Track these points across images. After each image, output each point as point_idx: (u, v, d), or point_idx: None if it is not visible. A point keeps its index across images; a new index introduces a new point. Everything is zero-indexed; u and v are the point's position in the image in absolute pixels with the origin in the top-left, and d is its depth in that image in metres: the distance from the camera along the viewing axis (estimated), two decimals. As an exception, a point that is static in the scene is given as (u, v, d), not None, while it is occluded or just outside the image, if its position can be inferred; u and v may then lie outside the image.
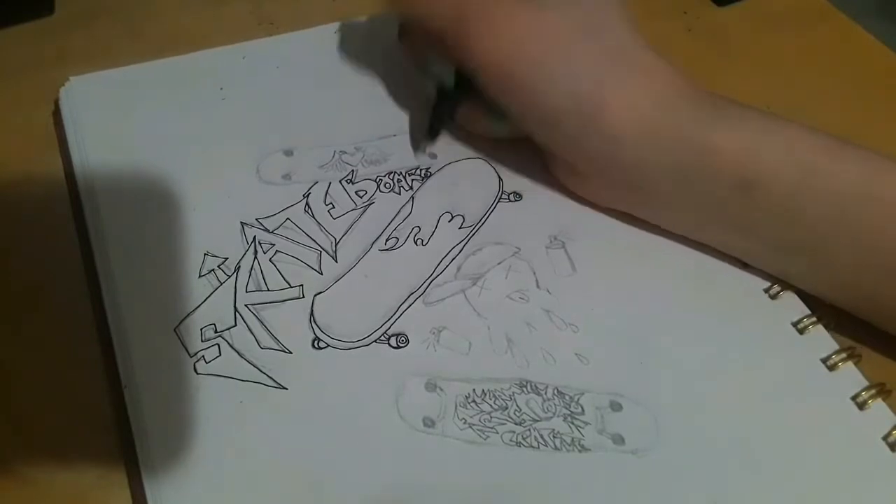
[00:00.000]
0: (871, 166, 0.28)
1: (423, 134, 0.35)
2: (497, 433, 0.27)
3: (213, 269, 0.31)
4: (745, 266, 0.32)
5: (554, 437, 0.27)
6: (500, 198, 0.34)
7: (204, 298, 0.30)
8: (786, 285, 0.31)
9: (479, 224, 0.33)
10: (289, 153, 0.35)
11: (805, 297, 0.31)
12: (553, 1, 0.31)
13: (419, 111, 0.36)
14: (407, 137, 0.36)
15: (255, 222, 0.32)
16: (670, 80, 0.30)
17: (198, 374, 0.28)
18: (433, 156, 0.35)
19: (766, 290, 0.31)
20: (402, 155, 0.35)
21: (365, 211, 0.33)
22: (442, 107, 0.35)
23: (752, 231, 0.30)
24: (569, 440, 0.27)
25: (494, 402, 0.28)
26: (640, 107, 0.29)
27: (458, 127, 0.36)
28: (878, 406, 0.28)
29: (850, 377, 0.29)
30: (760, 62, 0.42)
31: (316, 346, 0.29)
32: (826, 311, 0.31)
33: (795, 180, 0.28)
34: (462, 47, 0.31)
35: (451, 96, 0.34)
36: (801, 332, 0.30)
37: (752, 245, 0.31)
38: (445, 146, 0.36)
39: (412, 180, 0.34)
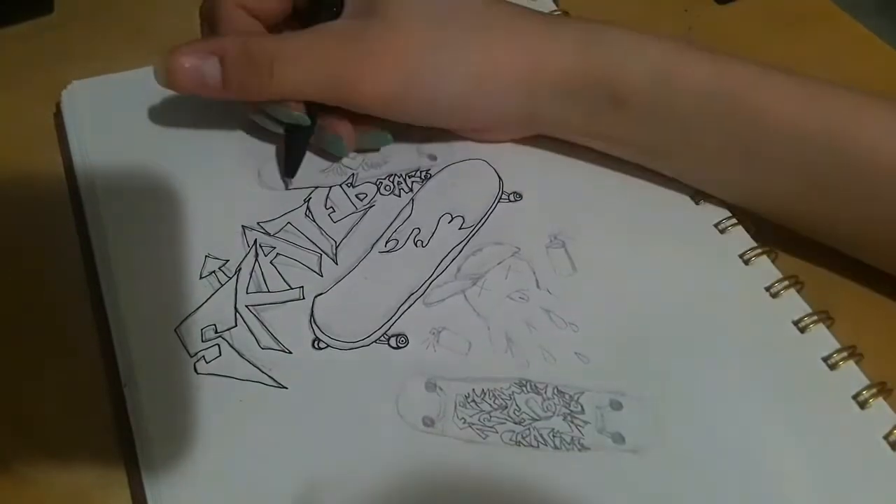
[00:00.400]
0: (716, 64, 0.31)
1: (282, 171, 0.34)
2: (497, 433, 0.27)
3: (213, 271, 0.31)
4: (747, 262, 0.32)
5: (554, 436, 0.27)
6: (500, 198, 0.34)
7: (205, 299, 0.30)
8: (786, 285, 0.31)
9: (479, 224, 0.33)
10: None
11: (806, 296, 0.31)
12: (400, 16, 0.31)
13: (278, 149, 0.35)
14: (406, 141, 0.36)
15: (257, 226, 0.32)
16: (536, 23, 0.33)
17: (198, 373, 0.28)
18: (433, 157, 0.35)
19: (767, 290, 0.31)
20: (401, 157, 0.35)
21: (365, 214, 0.33)
22: (296, 142, 0.34)
23: (629, 140, 0.33)
24: (569, 439, 0.27)
25: (494, 402, 0.28)
26: (520, 58, 0.32)
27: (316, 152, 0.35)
28: (879, 405, 0.28)
29: (851, 376, 0.29)
30: (761, 60, 0.42)
31: (316, 346, 0.29)
32: (827, 312, 0.31)
33: (653, 90, 0.31)
34: (349, 102, 0.32)
35: (304, 130, 0.33)
36: (801, 330, 0.30)
37: (633, 153, 0.34)
38: (445, 148, 0.36)
39: (412, 182, 0.34)
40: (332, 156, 0.35)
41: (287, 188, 0.34)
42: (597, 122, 0.33)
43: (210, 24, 0.34)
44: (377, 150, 0.35)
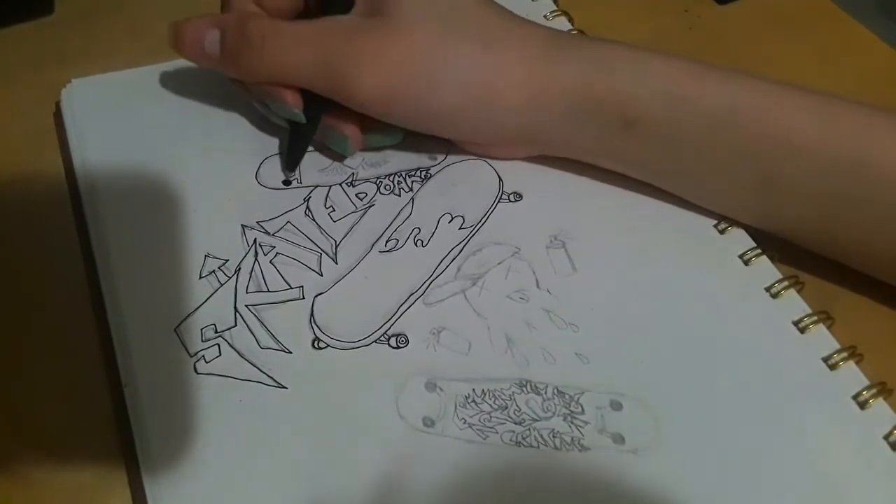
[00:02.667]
0: (730, 84, 0.30)
1: (283, 166, 0.35)
2: (497, 433, 0.27)
3: (213, 271, 0.31)
4: (747, 263, 0.32)
5: (554, 436, 0.27)
6: (500, 198, 0.34)
7: (204, 299, 0.30)
8: (786, 285, 0.31)
9: (479, 224, 0.33)
10: (290, 156, 0.35)
11: (806, 296, 0.31)
12: (407, 18, 0.31)
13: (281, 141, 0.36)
14: (407, 140, 0.36)
15: (256, 225, 0.32)
16: (542, 40, 0.32)
17: (198, 373, 0.28)
18: (433, 157, 0.35)
19: (767, 290, 0.31)
20: (402, 157, 0.35)
21: (365, 213, 0.33)
22: (296, 137, 0.34)
23: (640, 161, 0.33)
24: (569, 440, 0.27)
25: (494, 402, 0.28)
26: (524, 76, 0.31)
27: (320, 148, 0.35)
28: (879, 405, 0.28)
29: (852, 376, 0.29)
30: (761, 60, 0.42)
31: (316, 346, 0.29)
32: (827, 312, 0.31)
33: (666, 111, 0.30)
34: (341, 95, 0.31)
35: (304, 127, 0.33)
36: (801, 331, 0.30)
37: (644, 174, 0.33)
38: (445, 147, 0.36)
39: (412, 182, 0.34)
40: (338, 154, 0.35)
41: (288, 182, 0.34)
42: (606, 144, 0.32)
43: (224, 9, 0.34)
44: (385, 148, 0.35)
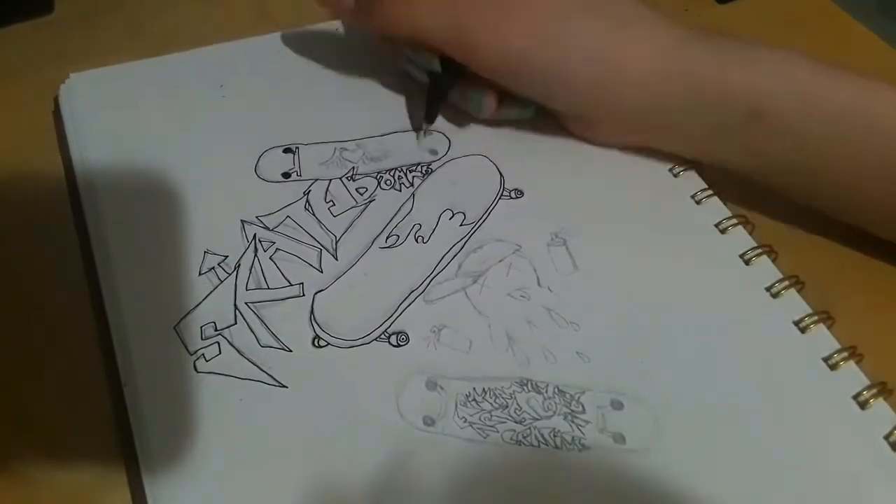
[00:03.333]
0: (863, 87, 0.31)
1: (421, 119, 0.36)
2: (497, 432, 0.27)
3: (213, 267, 0.31)
4: (746, 264, 0.32)
5: (554, 435, 0.27)
6: (502, 195, 0.34)
7: (204, 296, 0.30)
8: (786, 285, 0.31)
9: (480, 221, 0.33)
10: (289, 150, 0.35)
11: (806, 296, 0.31)
12: None
13: (413, 98, 0.37)
14: (407, 134, 0.36)
15: (256, 220, 0.32)
16: (676, 29, 0.33)
17: (198, 372, 0.28)
18: (434, 152, 0.35)
19: (768, 290, 0.31)
20: (402, 152, 0.35)
21: (365, 208, 0.33)
22: (435, 91, 0.35)
23: (761, 154, 0.32)
24: (569, 439, 0.27)
25: (495, 401, 0.28)
26: (654, 56, 0.32)
27: (453, 108, 0.36)
28: (879, 405, 0.28)
29: (852, 376, 0.29)
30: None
31: (316, 344, 0.29)
32: (827, 312, 0.31)
33: (798, 107, 0.31)
34: (468, 57, 0.32)
35: (442, 78, 0.34)
36: (802, 331, 0.30)
37: (759, 166, 0.33)
38: (446, 143, 0.35)
39: (413, 177, 0.34)
40: (338, 152, 0.35)
41: (423, 136, 0.35)
42: (728, 136, 0.32)
43: None
44: (517, 121, 0.36)
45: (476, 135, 0.36)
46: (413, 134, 0.36)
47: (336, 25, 0.40)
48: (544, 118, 0.35)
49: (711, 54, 0.32)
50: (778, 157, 0.32)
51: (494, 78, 0.33)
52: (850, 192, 0.32)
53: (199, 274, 0.30)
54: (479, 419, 0.27)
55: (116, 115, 0.35)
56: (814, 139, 0.31)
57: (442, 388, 0.28)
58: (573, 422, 0.28)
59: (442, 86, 0.35)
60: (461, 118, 0.36)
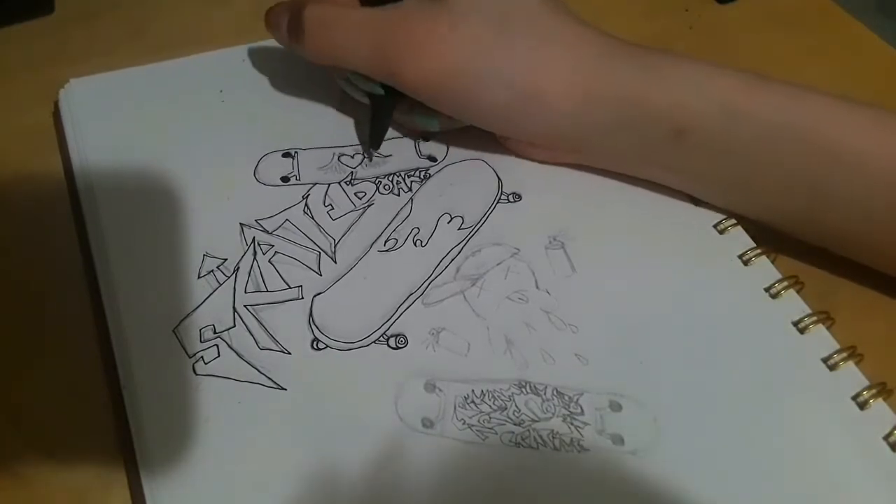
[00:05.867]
0: (787, 98, 0.30)
1: (366, 142, 0.35)
2: (496, 434, 0.27)
3: (212, 270, 0.31)
4: (746, 263, 0.32)
5: (553, 437, 0.27)
6: (500, 199, 0.34)
7: (203, 299, 0.30)
8: (785, 286, 0.31)
9: (479, 225, 0.33)
10: (288, 155, 0.35)
11: (806, 297, 0.31)
12: (463, 8, 0.31)
13: (362, 121, 0.36)
14: (405, 140, 0.36)
15: (255, 223, 0.32)
16: (597, 46, 0.32)
17: (197, 374, 0.28)
18: (432, 157, 0.35)
19: (767, 290, 0.31)
20: (401, 157, 0.35)
21: (364, 212, 0.33)
22: (378, 113, 0.35)
23: (688, 170, 0.32)
24: (568, 441, 0.27)
25: (493, 403, 0.28)
26: (574, 80, 0.31)
27: (397, 126, 0.36)
28: (878, 406, 0.28)
29: (851, 377, 0.29)
30: (762, 59, 0.42)
31: (315, 346, 0.29)
32: (827, 312, 0.31)
33: (720, 123, 0.30)
34: (391, 78, 0.32)
35: (384, 101, 0.34)
36: (801, 331, 0.30)
37: (691, 183, 0.33)
38: (444, 148, 0.35)
39: (411, 182, 0.34)
40: (338, 153, 0.35)
41: (370, 159, 0.35)
42: (654, 154, 0.32)
43: None
44: (430, 132, 0.36)
45: (474, 139, 0.36)
46: (411, 141, 0.36)
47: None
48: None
49: (632, 72, 0.31)
50: (706, 173, 0.32)
51: (420, 100, 0.32)
52: (784, 207, 0.32)
53: (199, 277, 0.31)
54: (478, 421, 0.28)
55: (116, 120, 0.35)
56: (741, 155, 0.31)
57: (441, 390, 0.28)
58: (572, 423, 0.28)
59: (385, 107, 0.34)
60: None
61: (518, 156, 0.35)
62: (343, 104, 0.37)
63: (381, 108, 0.34)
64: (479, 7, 0.31)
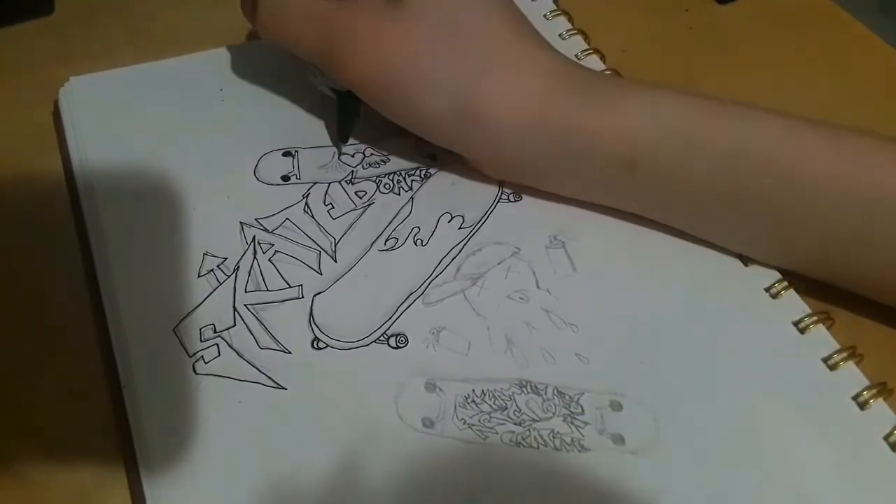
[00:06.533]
0: (744, 125, 0.29)
1: (335, 138, 0.35)
2: (496, 433, 0.27)
3: (212, 269, 0.31)
4: (746, 264, 0.32)
5: (554, 437, 0.27)
6: (500, 198, 0.34)
7: (203, 298, 0.30)
8: (786, 285, 0.31)
9: (479, 224, 0.33)
10: (288, 154, 0.35)
11: (806, 296, 0.31)
12: (411, 11, 0.30)
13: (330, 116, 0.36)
14: (406, 139, 0.36)
15: (255, 222, 0.32)
16: (546, 69, 0.31)
17: (197, 374, 0.28)
18: (432, 157, 0.35)
19: (767, 289, 0.31)
20: (401, 156, 0.35)
21: (364, 211, 0.33)
22: (343, 106, 0.34)
23: (644, 201, 0.31)
24: (569, 440, 0.27)
25: (494, 403, 0.28)
26: (519, 103, 0.30)
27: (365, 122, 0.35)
28: (879, 406, 0.28)
29: (851, 376, 0.29)
30: (762, 60, 0.42)
31: (315, 346, 0.29)
32: (827, 312, 0.31)
33: (674, 153, 0.29)
34: (334, 71, 0.31)
35: (348, 96, 0.33)
36: (801, 331, 0.30)
37: (647, 211, 0.32)
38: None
39: (412, 181, 0.34)
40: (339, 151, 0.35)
41: (339, 155, 0.35)
42: (604, 184, 0.31)
43: None
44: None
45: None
46: (412, 138, 0.36)
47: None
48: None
49: (582, 103, 0.30)
50: (660, 205, 0.31)
51: (364, 100, 0.32)
52: (742, 235, 0.31)
53: (199, 276, 0.31)
54: (479, 421, 0.27)
55: (116, 119, 0.35)
56: (695, 185, 0.29)
57: (441, 389, 0.28)
58: (572, 423, 0.28)
59: (351, 103, 0.33)
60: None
61: (468, 168, 0.34)
62: (324, 99, 0.36)
63: (346, 103, 0.34)
64: (436, 12, 0.30)
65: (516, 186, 0.34)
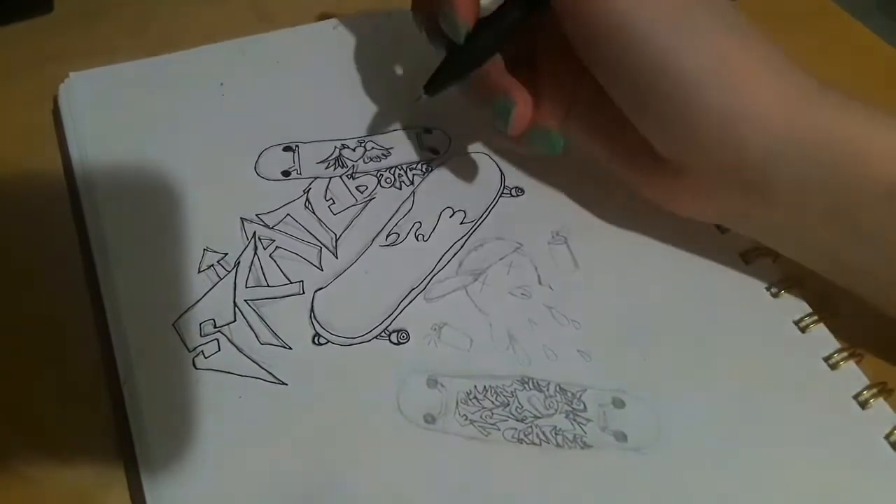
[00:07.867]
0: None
1: (423, 85, 0.31)
2: (498, 430, 0.27)
3: (212, 265, 0.31)
4: (748, 262, 0.32)
5: (556, 434, 0.27)
6: (502, 193, 0.34)
7: (203, 294, 0.30)
8: (787, 285, 0.31)
9: (481, 219, 0.33)
10: (289, 149, 0.35)
11: (807, 295, 0.31)
12: None
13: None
14: (408, 133, 0.36)
15: (255, 218, 0.32)
16: (800, 71, 0.26)
17: (197, 369, 0.28)
18: (434, 150, 0.35)
19: (768, 289, 0.31)
20: (403, 150, 0.35)
21: (366, 206, 0.33)
22: (448, 64, 0.30)
23: (880, 239, 0.26)
24: (571, 437, 0.27)
25: (496, 399, 0.28)
26: (786, 94, 0.26)
27: (467, 94, 0.32)
28: (879, 405, 0.28)
29: (852, 376, 0.29)
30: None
31: (316, 342, 0.29)
32: (828, 312, 0.31)
33: None
34: (569, 10, 0.27)
35: (459, 57, 0.30)
36: (802, 330, 0.30)
37: (864, 257, 0.27)
38: (446, 141, 0.35)
39: (413, 175, 0.34)
40: (337, 150, 0.35)
41: (418, 101, 0.31)
42: (844, 218, 0.26)
43: None
44: (541, 153, 0.31)
45: (477, 133, 0.35)
46: (414, 132, 0.36)
47: (334, 24, 0.40)
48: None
49: (846, 111, 0.25)
50: None
51: (579, 43, 0.27)
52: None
53: (199, 271, 0.30)
54: (481, 417, 0.27)
55: (116, 114, 0.35)
56: None
57: (443, 385, 0.28)
58: (575, 420, 0.28)
59: (460, 63, 0.30)
60: (463, 119, 0.35)
61: (653, 204, 0.30)
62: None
63: (457, 61, 0.30)
64: None
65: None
